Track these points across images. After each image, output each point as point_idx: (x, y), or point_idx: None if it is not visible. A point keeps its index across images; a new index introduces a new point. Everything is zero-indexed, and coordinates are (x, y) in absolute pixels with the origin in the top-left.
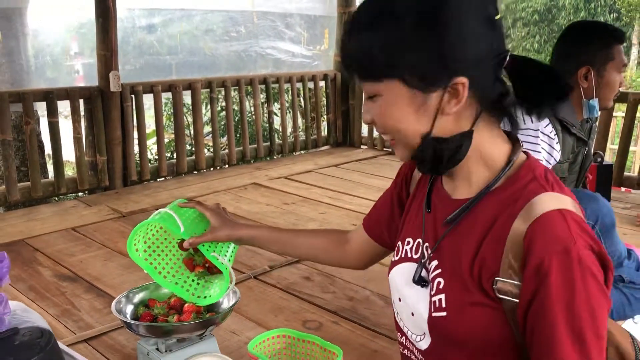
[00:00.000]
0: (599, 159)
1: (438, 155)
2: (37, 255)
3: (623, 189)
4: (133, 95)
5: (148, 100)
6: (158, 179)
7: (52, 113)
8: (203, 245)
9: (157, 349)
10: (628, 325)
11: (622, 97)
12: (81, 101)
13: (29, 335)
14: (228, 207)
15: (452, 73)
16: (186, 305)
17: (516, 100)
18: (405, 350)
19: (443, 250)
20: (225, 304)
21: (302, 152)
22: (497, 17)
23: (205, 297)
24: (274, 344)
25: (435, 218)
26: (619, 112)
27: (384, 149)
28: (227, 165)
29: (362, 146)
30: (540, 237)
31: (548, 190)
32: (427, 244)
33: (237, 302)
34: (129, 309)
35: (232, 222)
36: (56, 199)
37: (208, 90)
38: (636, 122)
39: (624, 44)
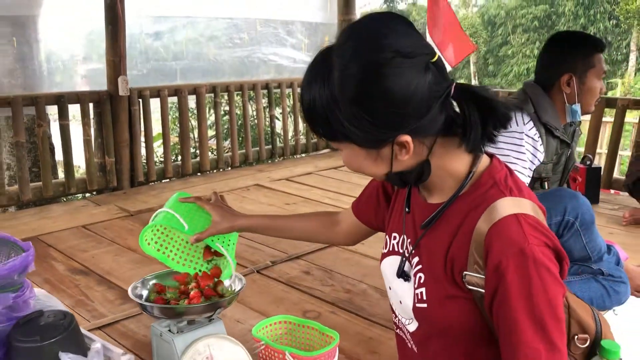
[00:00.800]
0: (588, 162)
1: (404, 180)
2: (51, 251)
3: (612, 191)
4: (140, 100)
5: (154, 104)
6: (164, 180)
7: (63, 116)
8: (207, 237)
9: (170, 330)
10: (609, 316)
11: (610, 103)
12: (91, 105)
13: (53, 317)
14: (232, 207)
15: (394, 133)
16: (195, 290)
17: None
18: (398, 329)
19: (422, 248)
20: (232, 289)
21: (303, 155)
22: (433, 59)
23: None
24: (276, 329)
25: (414, 219)
26: (608, 117)
27: None
28: (230, 168)
29: None
30: (497, 240)
31: (507, 195)
32: (409, 240)
33: (242, 288)
34: (144, 293)
35: (231, 214)
36: (65, 198)
37: (212, 94)
38: (625, 128)
39: (604, 53)
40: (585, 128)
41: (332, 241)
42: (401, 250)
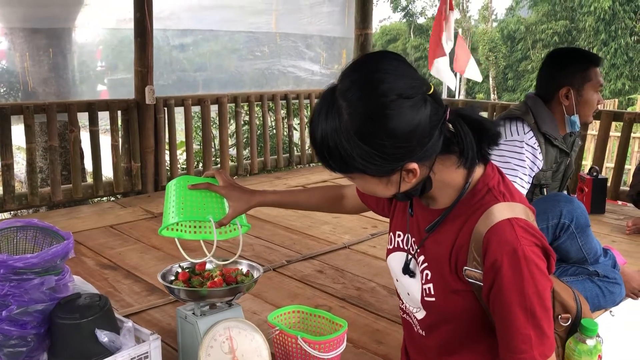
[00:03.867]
0: (594, 173)
1: (409, 195)
2: (80, 248)
3: (620, 202)
4: (166, 108)
5: (178, 112)
6: None
7: (93, 122)
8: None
9: (194, 313)
10: (604, 317)
11: (618, 116)
12: (119, 112)
13: (90, 299)
14: (250, 211)
15: (401, 163)
16: (218, 277)
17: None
18: (405, 315)
19: (427, 248)
20: (250, 276)
21: (319, 164)
22: (430, 91)
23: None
24: (290, 318)
25: (418, 221)
26: (614, 131)
27: None
28: (249, 175)
29: None
30: (493, 241)
31: (500, 200)
32: (413, 239)
33: (260, 275)
34: (171, 279)
35: (245, 193)
36: (93, 200)
37: (233, 104)
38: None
39: (600, 67)
40: (592, 141)
41: (338, 212)
42: (406, 247)
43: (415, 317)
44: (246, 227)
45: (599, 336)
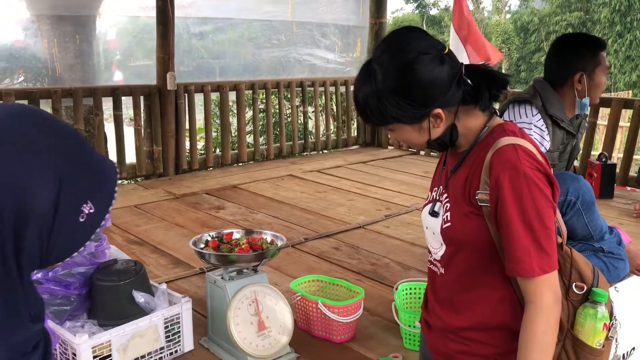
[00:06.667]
0: (603, 159)
1: (441, 143)
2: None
3: (628, 188)
4: (186, 94)
5: (197, 99)
6: (205, 169)
7: (117, 107)
8: None
9: (222, 278)
10: (609, 292)
11: (628, 104)
12: (141, 97)
13: (125, 264)
14: (267, 194)
15: (429, 109)
16: (245, 245)
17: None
18: (432, 265)
19: (450, 187)
20: (275, 245)
21: (333, 150)
22: (446, 51)
23: None
24: (310, 286)
25: (447, 170)
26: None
27: (409, 149)
28: (265, 160)
29: (389, 147)
30: (497, 160)
31: (511, 135)
32: (442, 188)
33: (283, 244)
34: (201, 245)
35: None
36: None
37: (251, 91)
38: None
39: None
40: (604, 131)
41: None
42: (437, 197)
43: (438, 262)
44: None
45: (616, 319)
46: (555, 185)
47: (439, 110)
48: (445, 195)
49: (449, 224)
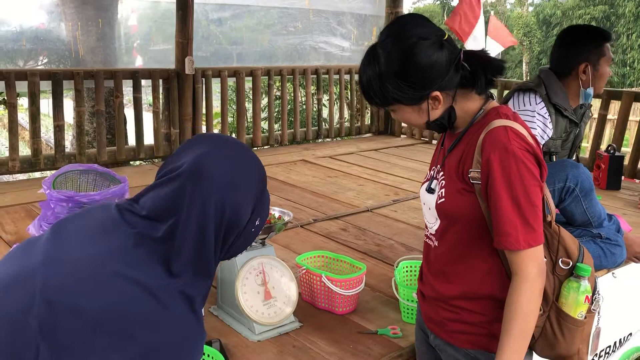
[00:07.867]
0: (611, 151)
1: (440, 124)
2: None
3: (637, 180)
4: (204, 79)
5: (214, 84)
6: None
7: (137, 89)
8: None
9: None
10: (607, 278)
11: (637, 97)
12: (160, 81)
13: None
14: (279, 177)
15: (428, 92)
16: None
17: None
18: (427, 239)
19: (446, 165)
20: (282, 220)
21: (346, 137)
22: (445, 37)
23: None
24: (315, 261)
25: (445, 150)
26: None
27: (422, 138)
28: (279, 145)
29: (401, 135)
30: (488, 141)
31: (504, 118)
32: (439, 166)
33: (290, 219)
34: None
35: None
36: (133, 163)
37: (267, 77)
38: None
39: (611, 42)
40: (613, 125)
41: None
42: (434, 175)
43: (432, 235)
44: None
45: (599, 294)
46: (543, 165)
47: (437, 93)
48: (441, 173)
49: (443, 199)
